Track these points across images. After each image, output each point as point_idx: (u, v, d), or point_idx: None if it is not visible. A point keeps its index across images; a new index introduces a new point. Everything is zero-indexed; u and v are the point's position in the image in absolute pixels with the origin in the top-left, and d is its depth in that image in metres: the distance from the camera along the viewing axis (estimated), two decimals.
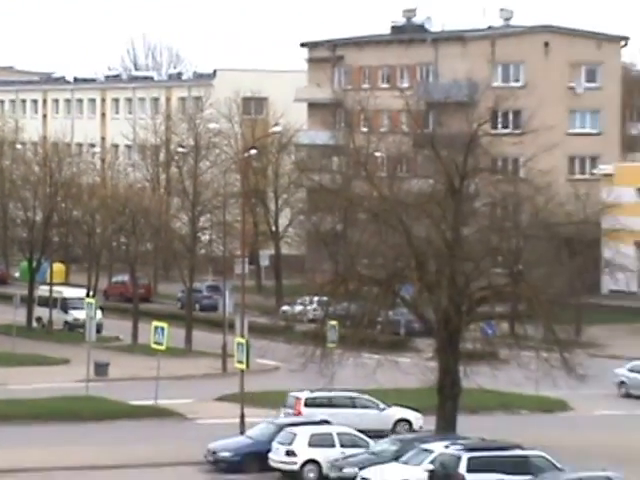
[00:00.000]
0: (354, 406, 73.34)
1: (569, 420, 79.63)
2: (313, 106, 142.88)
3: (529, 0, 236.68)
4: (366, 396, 74.93)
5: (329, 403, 74.64)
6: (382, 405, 75.63)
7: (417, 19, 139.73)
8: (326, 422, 68.01)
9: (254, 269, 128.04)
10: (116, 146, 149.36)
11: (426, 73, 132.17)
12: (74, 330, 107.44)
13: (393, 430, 74.44)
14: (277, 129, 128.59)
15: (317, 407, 72.62)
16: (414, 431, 73.77)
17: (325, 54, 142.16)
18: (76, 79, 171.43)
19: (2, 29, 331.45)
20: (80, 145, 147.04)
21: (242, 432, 70.10)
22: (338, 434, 65.73)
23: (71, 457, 66.72)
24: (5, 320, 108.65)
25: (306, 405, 73.62)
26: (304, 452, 64.55)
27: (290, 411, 73.88)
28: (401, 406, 76.65)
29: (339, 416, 71.07)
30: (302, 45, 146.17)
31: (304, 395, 73.81)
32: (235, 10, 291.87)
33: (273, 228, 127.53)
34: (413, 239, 69.99)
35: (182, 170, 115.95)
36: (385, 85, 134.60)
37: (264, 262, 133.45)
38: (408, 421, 76.00)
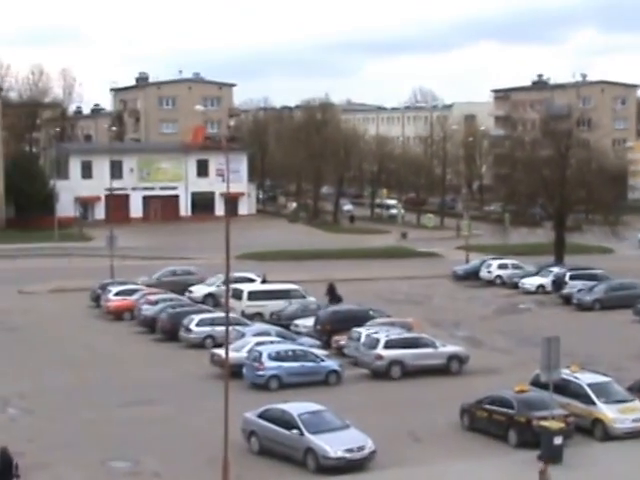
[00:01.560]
0: None
1: (613, 257, 76.93)
2: (498, 118, 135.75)
3: None
4: None
5: None
6: None
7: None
8: None
9: (467, 192, 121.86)
10: (408, 138, 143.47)
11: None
12: (392, 218, 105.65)
13: None
14: (483, 128, 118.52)
15: None
16: None
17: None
18: (393, 108, 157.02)
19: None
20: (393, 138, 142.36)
21: (467, 261, 67.27)
22: None
23: (388, 273, 66.10)
24: (361, 214, 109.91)
25: None
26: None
27: None
28: None
29: None
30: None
31: None
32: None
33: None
34: (544, 176, 69.27)
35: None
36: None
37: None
38: None
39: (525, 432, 28.72)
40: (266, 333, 40.98)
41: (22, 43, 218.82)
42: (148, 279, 57.76)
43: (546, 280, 59.34)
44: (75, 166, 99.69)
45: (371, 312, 44.97)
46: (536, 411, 28.88)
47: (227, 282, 28.58)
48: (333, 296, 52.78)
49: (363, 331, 40.30)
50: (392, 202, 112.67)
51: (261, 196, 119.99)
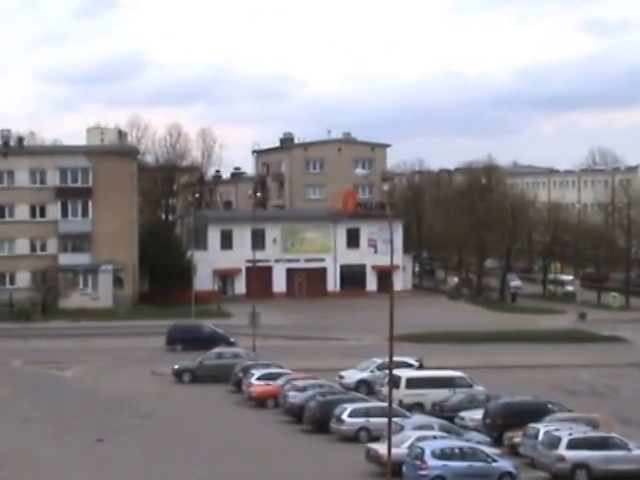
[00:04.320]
0: None
1: None
2: None
3: None
4: None
5: None
6: None
7: None
8: None
9: None
10: (585, 205, 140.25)
11: None
12: (567, 296, 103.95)
13: None
14: None
15: None
16: None
17: None
18: (568, 171, 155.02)
19: None
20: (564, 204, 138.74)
21: None
22: None
23: (566, 360, 64.74)
24: (531, 291, 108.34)
25: None
26: None
27: None
28: None
29: None
30: None
31: None
32: None
33: None
34: None
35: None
36: None
37: None
38: None
39: None
40: (428, 426, 40.13)
41: (160, 102, 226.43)
42: (190, 363, 58.24)
43: None
44: (214, 235, 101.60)
45: (549, 405, 43.76)
46: None
47: (390, 367, 27.93)
48: None
49: (541, 427, 39.03)
50: (567, 278, 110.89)
51: (417, 269, 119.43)
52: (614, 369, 62.32)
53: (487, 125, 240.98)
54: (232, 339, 69.06)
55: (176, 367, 58.55)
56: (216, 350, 60.35)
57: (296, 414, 46.40)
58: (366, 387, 53.37)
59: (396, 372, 49.48)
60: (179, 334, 69.54)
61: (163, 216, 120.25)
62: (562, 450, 36.48)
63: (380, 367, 53.72)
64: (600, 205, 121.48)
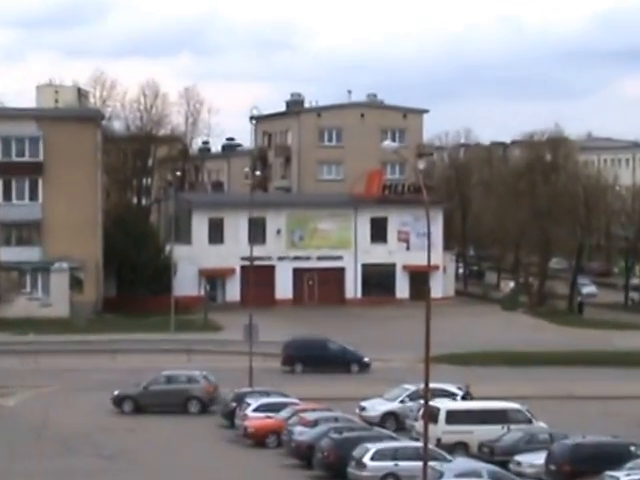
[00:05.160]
0: None
1: None
2: None
3: None
4: None
5: None
6: None
7: None
8: None
9: None
10: None
11: None
12: None
13: None
14: None
15: None
16: None
17: None
18: None
19: None
20: None
21: None
22: None
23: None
24: (609, 299, 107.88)
25: None
26: None
27: None
28: None
29: None
30: None
31: None
32: None
33: None
34: None
35: None
36: None
37: None
38: None
39: None
40: (474, 473, 40.21)
41: (131, 54, 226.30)
42: (132, 388, 58.85)
43: None
44: (200, 226, 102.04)
45: (632, 448, 43.62)
46: None
47: (426, 397, 27.84)
48: None
49: (622, 476, 39.02)
50: None
51: (461, 271, 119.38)
52: None
53: (553, 86, 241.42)
54: (366, 358, 70.55)
55: (116, 393, 58.80)
56: (167, 373, 60.61)
57: (304, 455, 46.18)
58: (395, 422, 53.33)
59: (433, 403, 49.60)
60: (299, 352, 70.39)
61: (135, 200, 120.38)
62: None
63: (413, 396, 53.70)
64: None
